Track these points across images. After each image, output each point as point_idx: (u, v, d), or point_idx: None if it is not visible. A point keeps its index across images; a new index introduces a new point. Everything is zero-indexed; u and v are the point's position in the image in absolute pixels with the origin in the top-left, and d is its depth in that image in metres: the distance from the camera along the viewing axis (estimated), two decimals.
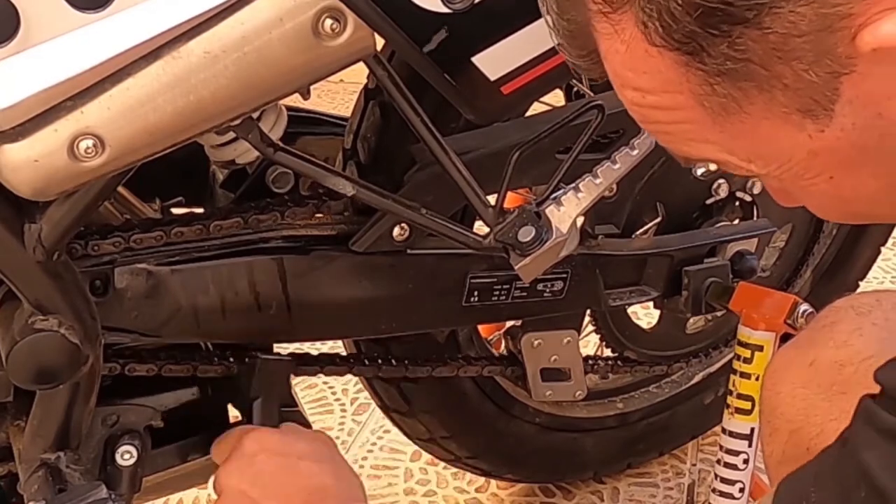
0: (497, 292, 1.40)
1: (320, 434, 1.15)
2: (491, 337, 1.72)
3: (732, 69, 0.71)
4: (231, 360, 1.33)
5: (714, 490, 1.46)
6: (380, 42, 1.10)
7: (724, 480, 1.44)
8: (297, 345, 1.51)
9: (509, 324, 1.58)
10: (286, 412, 1.42)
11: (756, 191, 1.60)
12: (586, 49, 0.78)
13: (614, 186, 1.34)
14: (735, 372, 1.43)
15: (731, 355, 1.49)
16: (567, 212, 1.25)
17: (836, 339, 1.07)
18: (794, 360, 1.10)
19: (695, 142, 0.78)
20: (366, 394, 1.73)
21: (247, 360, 1.29)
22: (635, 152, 1.25)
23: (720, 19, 0.69)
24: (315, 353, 1.45)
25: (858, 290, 1.82)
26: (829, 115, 0.72)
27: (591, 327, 1.69)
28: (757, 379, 1.41)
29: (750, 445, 1.42)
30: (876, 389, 0.79)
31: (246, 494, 1.06)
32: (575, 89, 1.61)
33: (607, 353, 1.70)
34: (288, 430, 1.16)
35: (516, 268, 1.26)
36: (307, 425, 1.44)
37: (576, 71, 0.83)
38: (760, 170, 0.78)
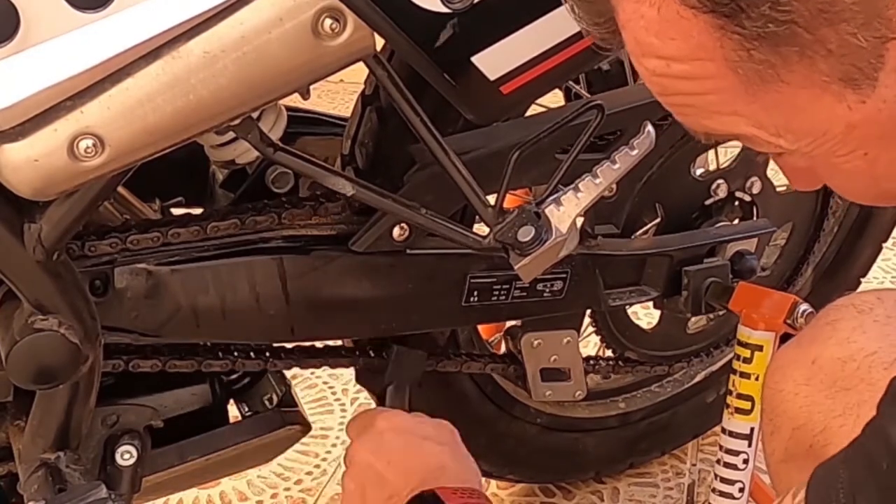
0: (497, 292, 1.40)
1: (445, 422, 1.19)
2: (491, 339, 1.72)
3: (773, 32, 0.67)
4: (235, 354, 1.33)
5: (714, 490, 1.46)
6: (380, 42, 1.10)
7: (723, 480, 1.44)
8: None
9: (509, 324, 1.58)
10: (286, 412, 1.42)
11: (755, 191, 1.60)
12: (603, 16, 0.74)
13: (614, 186, 1.34)
14: (735, 372, 1.43)
15: (731, 354, 1.49)
16: (567, 212, 1.25)
17: (838, 336, 1.07)
18: (795, 359, 1.09)
19: (720, 114, 0.74)
20: (366, 394, 1.73)
21: (384, 352, 1.41)
22: (635, 152, 1.25)
23: None
24: (319, 346, 1.45)
25: (859, 290, 1.83)
26: (871, 85, 0.69)
27: (591, 328, 1.69)
28: (757, 379, 1.41)
29: (750, 445, 1.42)
30: (879, 387, 0.78)
31: (372, 466, 1.11)
32: (577, 86, 1.61)
33: (608, 353, 1.70)
34: (417, 414, 1.22)
35: (516, 268, 1.26)
36: (307, 425, 1.44)
37: (595, 47, 0.78)
38: (790, 145, 0.74)
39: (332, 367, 1.44)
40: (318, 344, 1.43)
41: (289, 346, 1.41)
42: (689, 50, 0.70)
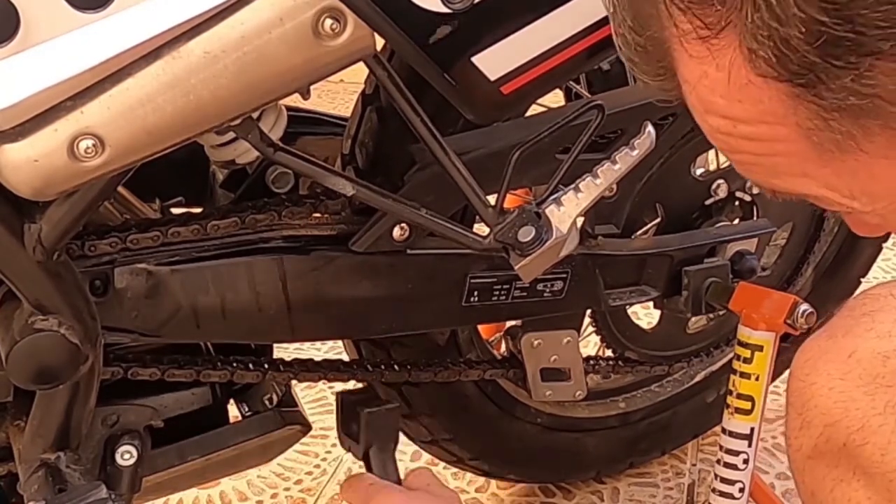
0: (497, 292, 1.39)
1: (450, 496, 1.17)
2: (491, 339, 1.72)
3: (855, 105, 0.63)
4: (234, 364, 1.34)
5: (714, 490, 1.46)
6: (380, 42, 1.10)
7: (723, 480, 1.44)
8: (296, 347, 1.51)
9: (509, 324, 1.58)
10: (286, 412, 1.42)
11: (756, 190, 1.60)
12: (663, 69, 0.70)
13: (614, 186, 1.34)
14: (735, 372, 1.43)
15: (731, 354, 1.49)
16: (567, 212, 1.25)
17: (878, 329, 1.00)
18: (829, 351, 1.02)
19: (789, 175, 0.70)
20: None
21: (356, 411, 1.35)
22: (635, 152, 1.25)
23: (847, 49, 0.61)
24: (318, 359, 1.45)
25: (859, 289, 1.82)
26: None
27: (592, 328, 1.69)
28: (757, 379, 1.41)
29: (750, 445, 1.42)
30: None
31: None
32: (578, 86, 1.61)
33: (608, 353, 1.69)
34: (418, 491, 1.18)
35: (516, 268, 1.26)
36: (307, 425, 1.44)
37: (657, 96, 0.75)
38: (864, 207, 0.71)
39: (330, 381, 1.44)
40: (317, 357, 1.43)
41: (287, 357, 1.41)
42: (758, 114, 0.67)
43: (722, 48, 0.65)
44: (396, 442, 1.36)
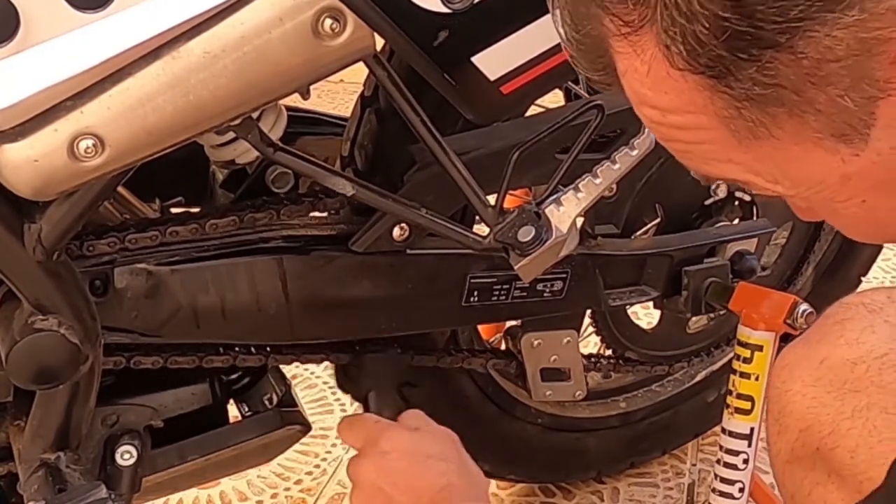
0: (497, 292, 1.39)
1: (448, 433, 1.21)
2: (492, 339, 1.72)
3: (761, 94, 0.68)
4: (236, 349, 1.33)
5: (714, 490, 1.46)
6: (380, 42, 1.10)
7: (723, 480, 1.44)
8: None
9: (509, 324, 1.58)
10: (286, 412, 1.42)
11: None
12: (602, 64, 0.75)
13: (614, 186, 1.34)
14: (735, 372, 1.43)
15: (731, 354, 1.49)
16: (567, 212, 1.25)
17: (848, 336, 1.05)
18: (803, 358, 1.08)
19: (717, 161, 0.75)
20: None
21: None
22: (635, 152, 1.25)
23: (749, 43, 0.66)
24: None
25: (860, 288, 1.82)
26: (864, 140, 0.69)
27: (592, 329, 1.69)
28: (757, 379, 1.41)
29: (750, 445, 1.42)
30: (889, 390, 0.78)
31: (380, 489, 1.13)
32: (577, 87, 1.61)
33: (608, 353, 1.70)
34: (419, 429, 1.21)
35: (516, 268, 1.26)
36: (307, 425, 1.44)
37: (588, 83, 0.82)
38: (788, 191, 0.75)
39: (333, 362, 1.44)
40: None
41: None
42: (682, 104, 0.71)
43: (643, 44, 0.70)
44: (395, 384, 1.39)
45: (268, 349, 1.37)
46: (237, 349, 1.34)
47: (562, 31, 0.76)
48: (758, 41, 0.66)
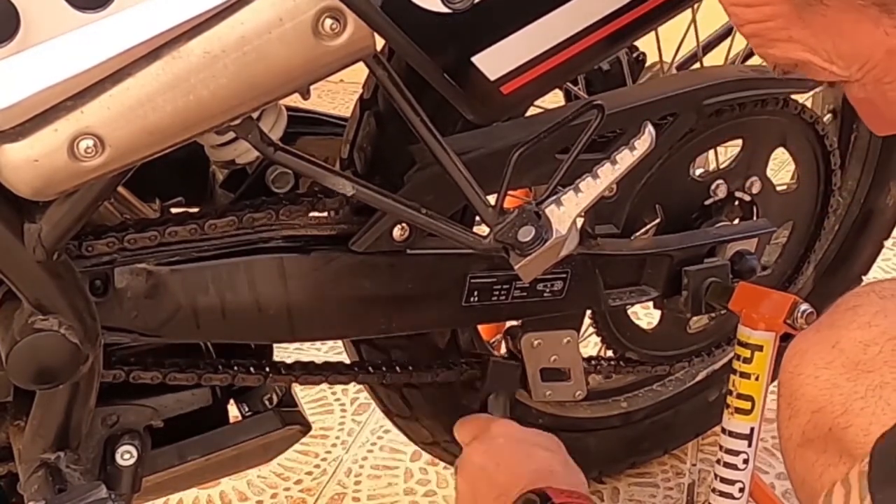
0: (497, 292, 1.40)
1: (553, 436, 1.28)
2: (492, 340, 1.72)
3: None
4: (236, 367, 1.34)
5: (714, 490, 1.46)
6: (380, 42, 1.10)
7: (723, 480, 1.44)
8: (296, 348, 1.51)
9: (509, 324, 1.58)
10: (286, 412, 1.42)
11: (755, 190, 1.60)
12: None
13: (614, 186, 1.34)
14: (735, 372, 1.43)
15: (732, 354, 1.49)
16: (567, 212, 1.25)
17: (860, 320, 1.05)
18: (815, 343, 1.08)
19: (779, 41, 0.80)
20: (366, 394, 1.73)
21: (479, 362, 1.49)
22: (635, 152, 1.25)
23: None
24: (319, 361, 1.45)
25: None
26: None
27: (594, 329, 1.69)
28: (757, 379, 1.41)
29: (750, 445, 1.42)
30: None
31: (484, 467, 1.19)
32: (576, 88, 1.61)
33: (608, 353, 1.69)
34: (528, 426, 1.28)
35: (516, 268, 1.26)
36: (307, 425, 1.44)
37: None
38: (842, 71, 0.79)
39: (332, 383, 1.44)
40: (318, 359, 1.43)
41: (288, 360, 1.41)
42: None
43: None
44: (514, 394, 1.49)
45: (267, 369, 1.37)
46: (236, 367, 1.34)
47: None
48: None
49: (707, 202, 1.58)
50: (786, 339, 1.41)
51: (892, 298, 1.07)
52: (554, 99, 1.46)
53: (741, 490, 1.44)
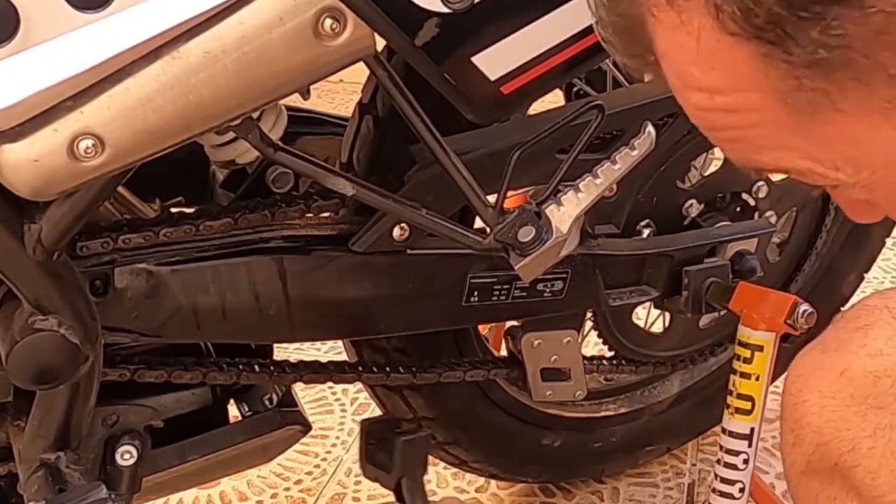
0: (497, 292, 1.39)
1: None
2: (486, 332, 1.71)
3: (825, 59, 0.61)
4: (240, 366, 1.34)
5: (714, 490, 1.46)
6: (380, 42, 1.10)
7: (724, 480, 1.44)
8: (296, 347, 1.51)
9: (509, 324, 1.58)
10: (286, 412, 1.42)
11: (761, 195, 1.60)
12: (639, 47, 0.69)
13: (614, 186, 1.34)
14: (735, 372, 1.43)
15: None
16: (567, 211, 1.25)
17: (871, 346, 0.98)
18: (821, 366, 1.01)
19: (769, 149, 0.69)
20: (366, 394, 1.73)
21: (389, 440, 1.38)
22: (635, 152, 1.25)
23: None
24: (324, 360, 1.45)
25: (860, 288, 1.82)
26: None
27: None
28: (757, 379, 1.41)
29: (750, 445, 1.42)
30: None
31: None
32: (576, 88, 1.61)
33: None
34: None
35: (516, 268, 1.26)
36: (307, 425, 1.44)
37: (625, 70, 0.76)
38: (850, 178, 0.69)
39: (336, 382, 1.44)
40: (322, 358, 1.43)
41: (292, 359, 1.41)
42: (732, 81, 0.66)
43: (690, 10, 0.64)
44: (425, 470, 1.38)
45: (271, 367, 1.37)
46: (240, 366, 1.34)
47: (596, 11, 0.71)
48: None
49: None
50: (786, 339, 1.42)
51: None
52: (554, 99, 1.46)
53: (741, 490, 1.44)
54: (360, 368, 1.45)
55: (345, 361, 1.48)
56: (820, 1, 0.59)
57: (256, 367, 1.35)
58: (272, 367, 1.37)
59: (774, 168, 0.71)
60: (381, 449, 1.37)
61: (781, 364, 1.40)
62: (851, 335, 1.00)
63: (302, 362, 1.40)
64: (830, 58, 0.61)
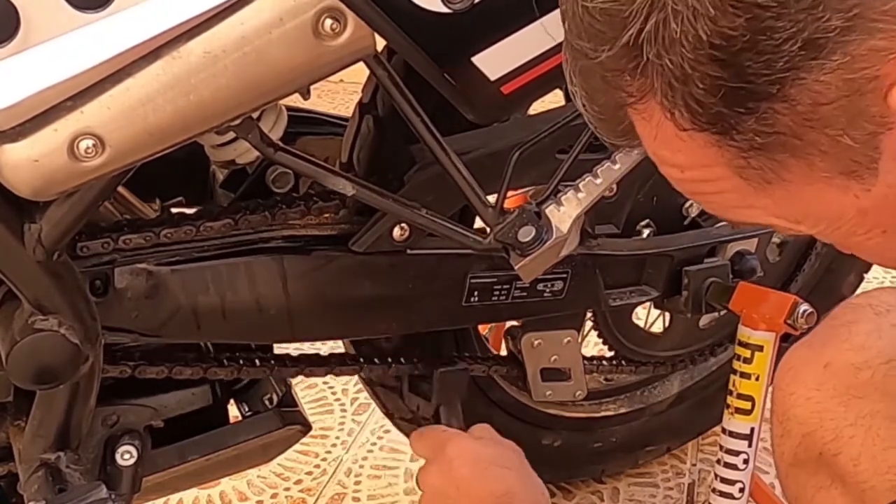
0: (497, 292, 1.39)
1: (509, 443, 1.25)
2: (486, 332, 1.72)
3: (764, 143, 0.70)
4: (241, 360, 1.34)
5: (714, 490, 1.46)
6: (380, 42, 1.10)
7: (724, 480, 1.44)
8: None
9: (509, 324, 1.58)
10: (286, 412, 1.42)
11: None
12: (622, 130, 0.78)
13: (614, 186, 1.34)
14: (735, 372, 1.43)
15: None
16: (567, 211, 1.25)
17: (853, 340, 1.05)
18: (808, 361, 1.07)
19: (739, 208, 0.78)
20: (366, 394, 1.73)
21: (425, 376, 1.46)
22: (635, 152, 1.25)
23: (744, 97, 0.69)
24: (324, 353, 1.45)
25: (860, 287, 1.82)
26: (873, 174, 0.71)
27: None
28: (757, 379, 1.41)
29: (750, 445, 1.42)
30: (894, 396, 0.79)
31: (445, 494, 1.17)
32: None
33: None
34: (483, 438, 1.25)
35: (516, 268, 1.26)
36: (307, 425, 1.44)
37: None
38: (810, 229, 0.78)
39: (337, 374, 1.44)
40: (323, 351, 1.43)
41: (294, 353, 1.41)
42: (696, 159, 0.74)
43: (649, 111, 0.73)
44: (463, 399, 1.45)
45: (272, 361, 1.37)
46: (241, 361, 1.34)
47: (580, 104, 0.79)
48: (752, 94, 0.68)
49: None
50: (786, 339, 1.42)
51: (887, 315, 1.06)
52: (554, 99, 1.46)
53: (741, 490, 1.44)
54: (361, 360, 1.45)
55: (345, 353, 1.47)
56: (751, 98, 0.68)
57: (257, 362, 1.35)
58: (273, 361, 1.37)
59: (747, 223, 0.80)
60: (421, 379, 1.46)
61: None
62: (836, 331, 1.06)
63: (303, 355, 1.40)
64: (768, 142, 0.70)
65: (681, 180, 0.78)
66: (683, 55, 0.68)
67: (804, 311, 1.38)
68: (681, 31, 0.68)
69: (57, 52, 0.98)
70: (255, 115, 1.13)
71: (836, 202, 0.73)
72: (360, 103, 1.35)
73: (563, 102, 1.60)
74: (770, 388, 1.33)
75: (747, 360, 1.41)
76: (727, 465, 1.44)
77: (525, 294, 1.41)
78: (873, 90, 0.68)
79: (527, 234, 1.24)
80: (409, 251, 1.33)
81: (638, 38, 0.69)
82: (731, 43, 0.67)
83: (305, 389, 2.08)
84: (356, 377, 1.57)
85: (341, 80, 2.20)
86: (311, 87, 1.21)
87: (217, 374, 1.32)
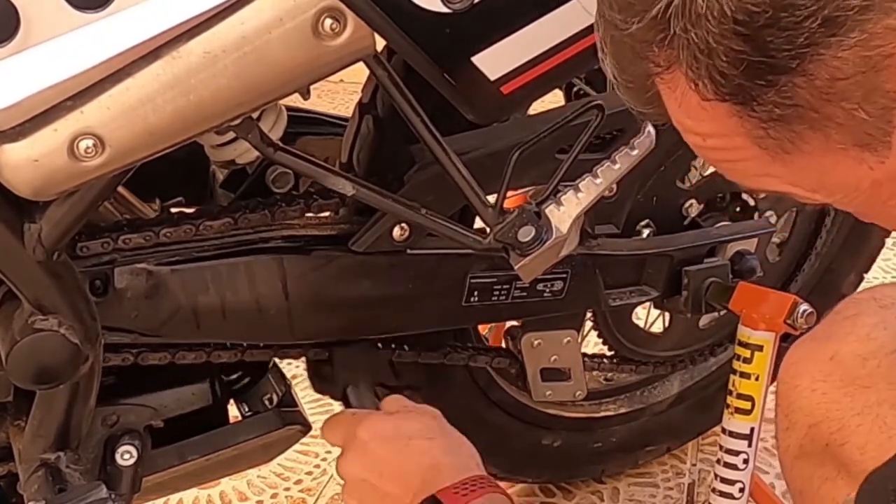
0: (497, 292, 1.40)
1: (429, 411, 1.19)
2: (486, 332, 1.72)
3: (783, 114, 0.74)
4: (245, 343, 1.33)
5: (714, 490, 1.46)
6: (380, 42, 1.10)
7: (724, 480, 1.44)
8: None
9: (509, 324, 1.58)
10: (286, 412, 1.42)
11: (761, 195, 1.60)
12: (649, 98, 0.81)
13: (614, 186, 1.34)
14: (735, 372, 1.43)
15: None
16: (567, 211, 1.25)
17: (858, 332, 1.06)
18: (813, 353, 1.08)
19: (757, 176, 0.81)
20: None
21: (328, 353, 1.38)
22: (635, 152, 1.25)
23: (765, 71, 0.72)
24: None
25: (861, 287, 1.82)
26: (886, 146, 0.74)
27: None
28: (757, 379, 1.41)
29: (750, 445, 1.42)
30: None
31: (366, 481, 1.12)
32: (576, 88, 1.61)
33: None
34: (396, 412, 1.19)
35: (516, 268, 1.26)
36: (307, 425, 1.44)
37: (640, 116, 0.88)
38: (826, 198, 0.81)
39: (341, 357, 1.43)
40: None
41: None
42: (717, 129, 0.78)
43: (674, 81, 0.77)
44: (373, 378, 1.38)
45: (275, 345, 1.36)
46: (245, 343, 1.34)
47: (610, 73, 0.83)
48: (772, 68, 0.72)
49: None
50: (786, 339, 1.42)
51: (891, 307, 1.07)
52: (554, 99, 1.46)
53: (741, 490, 1.44)
54: (365, 344, 1.44)
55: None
56: (772, 72, 0.72)
57: (261, 344, 1.35)
58: (276, 345, 1.36)
59: (764, 189, 0.85)
60: (323, 364, 1.39)
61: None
62: (840, 324, 1.08)
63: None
64: (787, 114, 0.74)
65: (702, 148, 0.81)
66: (708, 29, 0.71)
67: (804, 310, 1.38)
68: (706, 7, 0.71)
69: (57, 52, 0.98)
70: (254, 115, 1.13)
71: (851, 173, 0.77)
72: (360, 103, 1.35)
73: (563, 102, 1.60)
74: (771, 387, 1.33)
75: (747, 360, 1.41)
76: (727, 465, 1.44)
77: (525, 294, 1.41)
78: (888, 67, 0.71)
79: (527, 234, 1.24)
80: (408, 251, 1.33)
81: (666, 12, 0.73)
82: (754, 19, 0.70)
83: (306, 389, 2.07)
84: None
85: (341, 80, 2.20)
86: (311, 87, 1.21)
87: (220, 357, 1.31)
